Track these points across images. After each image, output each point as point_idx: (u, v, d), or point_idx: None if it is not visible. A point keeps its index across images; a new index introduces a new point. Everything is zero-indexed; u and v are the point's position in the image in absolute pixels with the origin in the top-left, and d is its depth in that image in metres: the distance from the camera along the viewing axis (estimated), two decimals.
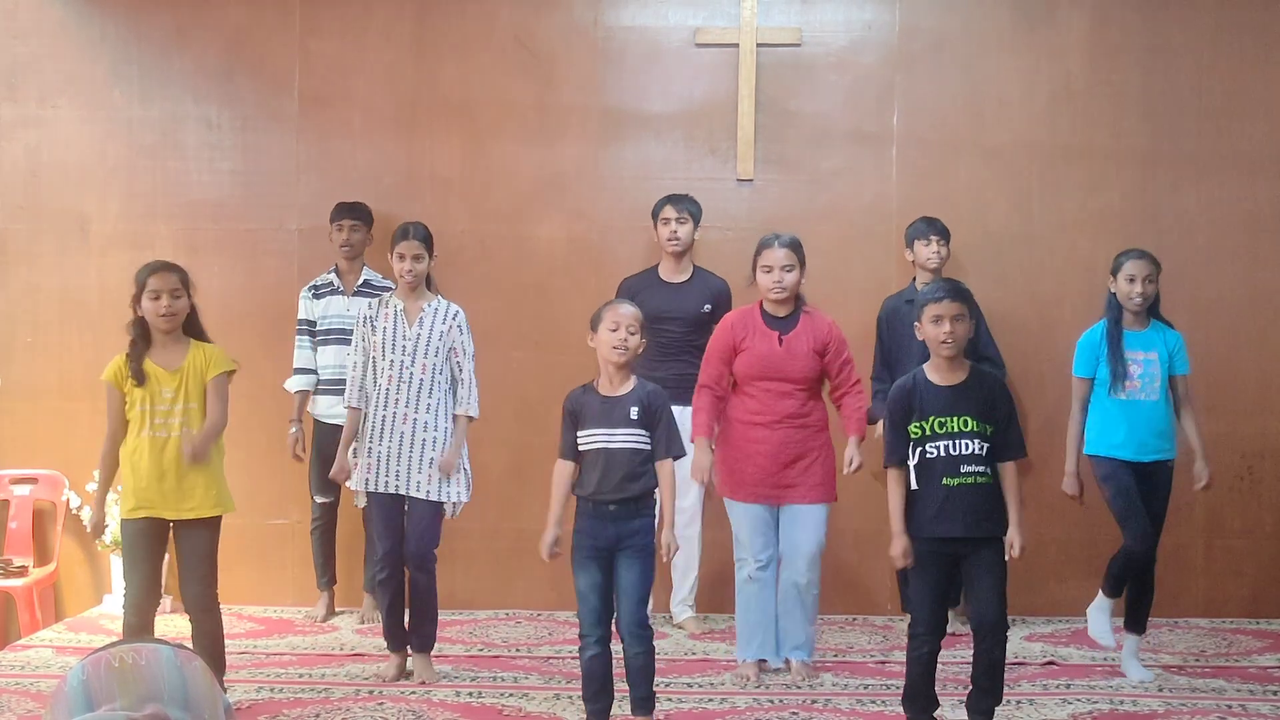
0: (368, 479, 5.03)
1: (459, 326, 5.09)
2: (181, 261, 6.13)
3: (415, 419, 5.01)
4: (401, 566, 5.12)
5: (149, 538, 4.53)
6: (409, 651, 5.11)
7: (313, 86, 6.35)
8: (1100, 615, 5.19)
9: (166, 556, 4.76)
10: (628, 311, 4.39)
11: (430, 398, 5.03)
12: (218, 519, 4.61)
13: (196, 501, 4.50)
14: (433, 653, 5.14)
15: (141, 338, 4.51)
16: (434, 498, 5.01)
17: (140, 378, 4.46)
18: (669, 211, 5.89)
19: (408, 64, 6.33)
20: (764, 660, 5.11)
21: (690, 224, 5.86)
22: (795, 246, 5.05)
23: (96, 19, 6.41)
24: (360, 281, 5.95)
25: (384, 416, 5.03)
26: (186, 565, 4.60)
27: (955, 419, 4.22)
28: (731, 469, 5.08)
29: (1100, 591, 5.22)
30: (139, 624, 4.56)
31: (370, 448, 5.03)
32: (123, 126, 6.40)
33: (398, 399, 5.02)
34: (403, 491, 5.01)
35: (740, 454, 5.04)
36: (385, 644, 5.15)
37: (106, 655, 1.58)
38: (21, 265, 6.41)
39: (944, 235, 5.86)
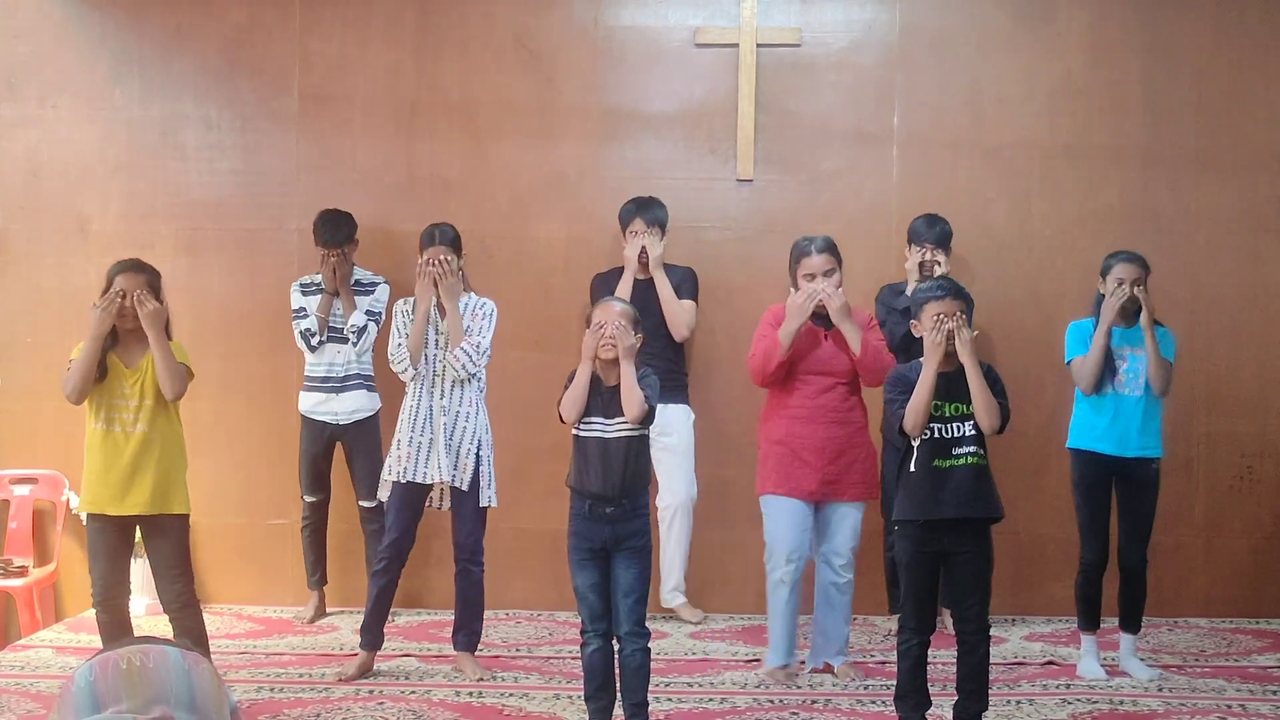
0: (405, 468, 5.04)
1: (478, 311, 5.12)
2: (181, 262, 6.23)
3: (455, 411, 5.05)
4: (402, 562, 5.12)
5: (106, 534, 4.54)
6: (457, 653, 5.10)
7: (313, 86, 6.35)
8: (1089, 659, 5.16)
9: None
10: (615, 309, 4.39)
11: (465, 392, 5.06)
12: (180, 518, 4.60)
13: (143, 499, 4.49)
14: (434, 653, 5.14)
15: (108, 332, 4.50)
16: (469, 490, 5.02)
17: (101, 371, 4.48)
18: (638, 224, 5.85)
19: (408, 64, 6.32)
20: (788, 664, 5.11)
21: (659, 234, 5.83)
22: (832, 249, 5.03)
23: (96, 19, 6.41)
24: (351, 281, 5.93)
25: (419, 410, 5.06)
26: (156, 566, 4.63)
27: (949, 405, 4.29)
28: (779, 464, 5.03)
29: (1080, 633, 5.21)
30: (110, 620, 4.60)
31: (411, 437, 5.05)
32: (123, 126, 6.39)
33: (433, 392, 5.06)
34: (437, 479, 5.01)
35: (788, 450, 5.01)
36: (360, 639, 5.12)
37: (115, 657, 1.58)
38: (21, 265, 6.41)
39: (941, 242, 5.67)
